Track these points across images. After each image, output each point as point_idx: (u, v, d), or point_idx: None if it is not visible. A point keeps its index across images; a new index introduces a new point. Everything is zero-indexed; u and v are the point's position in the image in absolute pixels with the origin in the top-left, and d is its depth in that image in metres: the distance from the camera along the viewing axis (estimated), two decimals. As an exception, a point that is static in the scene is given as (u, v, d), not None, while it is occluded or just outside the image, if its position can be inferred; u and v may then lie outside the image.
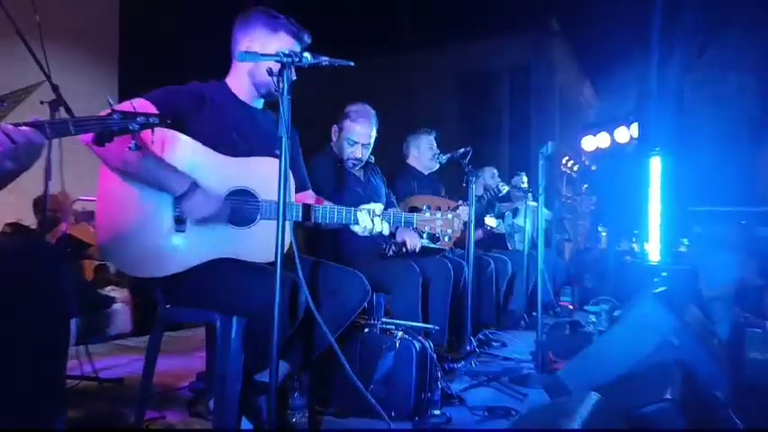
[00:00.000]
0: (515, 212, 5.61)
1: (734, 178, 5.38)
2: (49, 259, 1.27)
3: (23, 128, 1.21)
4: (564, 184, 15.92)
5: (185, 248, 1.70)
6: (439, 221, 1.92)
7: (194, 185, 1.68)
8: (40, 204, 4.09)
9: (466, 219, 3.54)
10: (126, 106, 1.48)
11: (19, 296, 1.20)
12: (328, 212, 1.87)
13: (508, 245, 5.01)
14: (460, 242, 4.43)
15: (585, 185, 11.83)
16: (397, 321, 2.27)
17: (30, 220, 4.42)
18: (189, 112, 1.79)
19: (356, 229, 1.90)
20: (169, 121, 1.57)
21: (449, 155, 3.59)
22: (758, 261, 4.71)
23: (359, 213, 1.88)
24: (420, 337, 2.22)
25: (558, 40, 17.61)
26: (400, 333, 2.19)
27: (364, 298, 2.00)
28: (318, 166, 2.67)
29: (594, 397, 1.32)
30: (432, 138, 3.84)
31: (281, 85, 1.49)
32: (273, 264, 1.78)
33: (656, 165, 5.28)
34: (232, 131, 1.88)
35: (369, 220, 1.87)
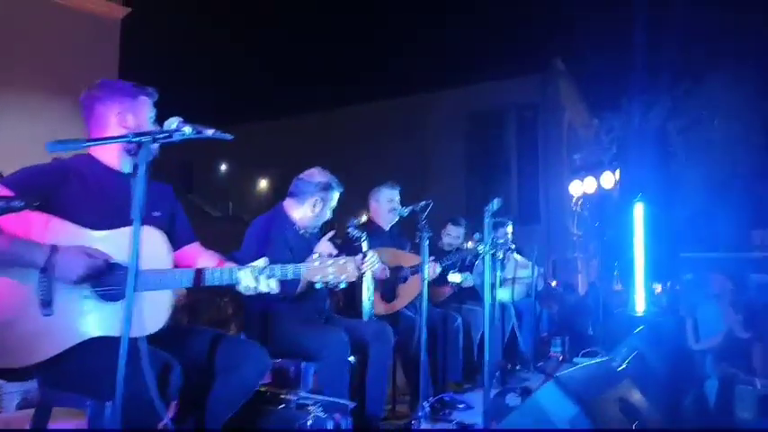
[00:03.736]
0: (501, 265, 5.49)
1: (723, 225, 5.21)
2: None
3: None
4: (574, 224, 15.72)
5: (55, 331, 1.64)
6: (331, 269, 1.83)
7: (55, 248, 1.64)
8: None
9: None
10: None
11: None
12: (216, 275, 1.81)
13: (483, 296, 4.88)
14: (431, 300, 4.35)
15: (597, 223, 11.59)
16: (316, 397, 2.17)
17: None
18: (52, 189, 1.75)
19: (240, 288, 1.83)
20: (36, 204, 1.55)
21: (409, 208, 3.54)
22: (744, 312, 4.51)
23: (239, 273, 1.81)
24: (336, 415, 2.11)
25: (564, 79, 17.70)
26: (313, 410, 2.09)
27: (263, 371, 1.92)
28: (268, 227, 2.64)
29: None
30: (393, 191, 3.79)
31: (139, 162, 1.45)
32: (151, 339, 1.72)
33: (639, 211, 5.14)
34: (101, 203, 1.83)
35: (251, 278, 1.80)
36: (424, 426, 3.00)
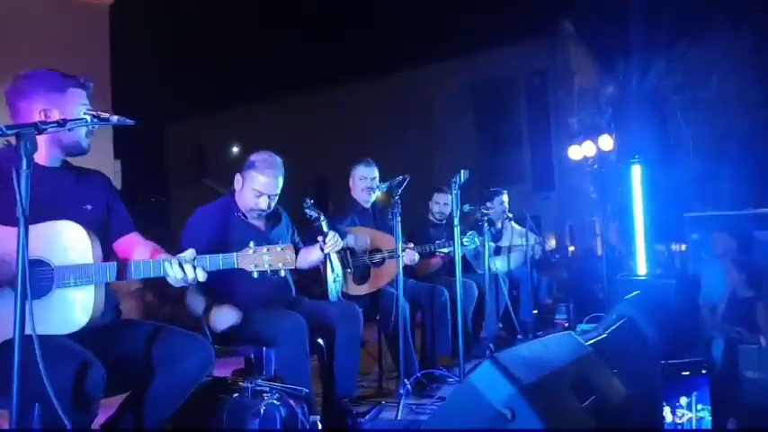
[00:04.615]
0: (498, 234, 5.37)
1: (726, 183, 5.01)
2: None
3: None
4: (591, 185, 15.42)
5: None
6: (266, 257, 1.75)
7: None
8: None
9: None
10: None
11: None
12: (141, 267, 1.74)
13: (475, 268, 4.77)
14: (420, 273, 4.26)
15: (593, 192, 11.38)
16: (271, 384, 2.11)
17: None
18: None
19: (169, 280, 1.76)
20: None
21: (386, 184, 3.44)
22: (747, 270, 4.34)
23: (166, 264, 1.74)
24: (291, 401, 2.06)
25: (573, 42, 17.20)
26: (267, 398, 2.04)
27: (206, 363, 1.85)
28: (204, 218, 2.56)
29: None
30: (367, 169, 3.68)
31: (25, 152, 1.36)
32: (74, 336, 1.67)
33: (636, 173, 4.97)
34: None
35: (178, 269, 1.72)
36: (404, 403, 2.95)
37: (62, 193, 1.88)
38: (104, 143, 8.39)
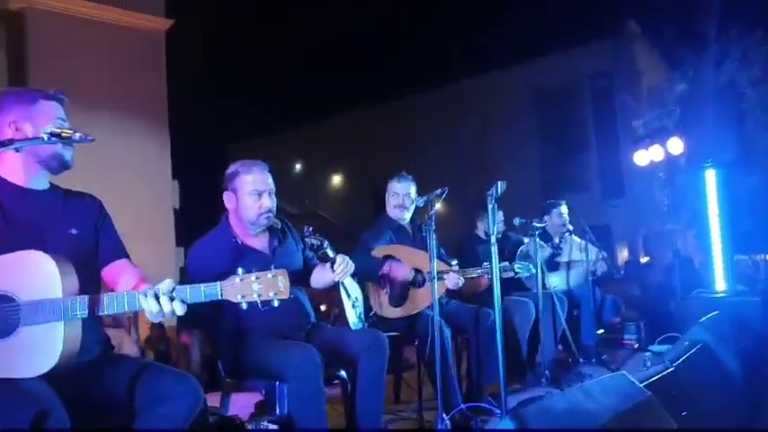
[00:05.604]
0: (556, 249, 4.96)
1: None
2: None
3: None
4: (663, 192, 14.47)
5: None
6: (255, 285, 1.54)
7: None
8: None
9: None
10: None
11: None
12: (114, 301, 1.57)
13: (529, 286, 4.38)
14: (467, 293, 3.94)
15: (666, 203, 10.62)
16: (273, 428, 1.88)
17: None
18: None
19: (147, 314, 1.58)
20: None
21: (423, 198, 3.17)
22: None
23: (140, 297, 1.55)
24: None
25: (640, 42, 16.33)
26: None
27: (194, 405, 1.64)
28: (202, 253, 2.39)
29: None
30: (399, 184, 3.42)
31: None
32: (50, 377, 1.51)
33: (710, 178, 4.46)
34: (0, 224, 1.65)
35: (153, 302, 1.54)
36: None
37: (45, 217, 1.75)
38: (162, 163, 8.53)
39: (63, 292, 1.54)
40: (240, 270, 1.58)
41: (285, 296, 1.56)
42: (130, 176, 7.93)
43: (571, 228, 4.87)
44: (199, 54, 11.10)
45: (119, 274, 1.80)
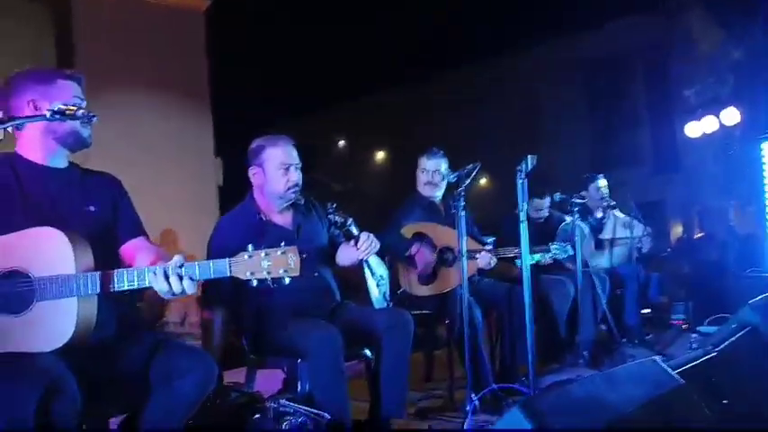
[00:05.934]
0: (598, 225, 4.77)
1: None
2: None
3: None
4: (719, 165, 13.79)
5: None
6: (264, 263, 1.50)
7: None
8: None
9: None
10: None
11: None
12: (125, 277, 1.56)
13: (568, 265, 4.22)
14: (503, 274, 3.83)
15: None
16: (293, 405, 1.87)
17: None
18: None
19: (158, 292, 1.56)
20: None
21: (455, 174, 3.07)
22: None
23: (150, 274, 1.54)
24: (312, 428, 1.80)
25: (694, 9, 15.44)
26: (287, 421, 1.80)
27: (206, 382, 1.64)
28: (226, 228, 2.39)
29: None
30: (429, 160, 3.33)
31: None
32: (65, 353, 1.52)
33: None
34: (17, 203, 1.66)
35: (162, 279, 1.53)
36: (469, 422, 2.60)
37: (63, 194, 1.77)
38: (204, 141, 8.65)
39: (76, 268, 1.54)
40: (250, 246, 1.55)
41: (296, 273, 1.52)
42: (174, 154, 8.06)
43: (613, 202, 4.68)
44: (241, 30, 11.13)
45: (136, 252, 1.81)
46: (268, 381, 2.49)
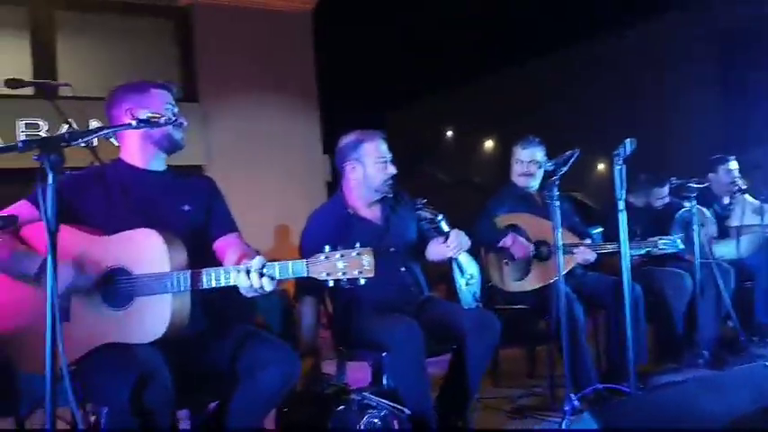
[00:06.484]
0: (725, 211, 4.34)
1: None
2: None
3: None
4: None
5: (73, 339, 1.66)
6: (340, 263, 1.54)
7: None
8: None
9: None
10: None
11: None
12: (212, 275, 1.67)
13: (687, 256, 3.87)
14: (611, 266, 3.60)
15: None
16: (375, 398, 1.89)
17: None
18: (72, 199, 1.78)
19: (242, 290, 1.66)
20: (17, 225, 1.61)
21: (552, 162, 2.93)
22: None
23: (233, 272, 1.64)
24: (395, 421, 1.81)
25: None
26: (369, 414, 1.82)
27: (289, 376, 1.71)
28: (318, 223, 2.44)
29: None
30: (524, 150, 3.20)
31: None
32: (162, 345, 1.65)
33: None
34: (121, 205, 1.83)
35: (244, 278, 1.62)
36: (566, 424, 2.48)
37: (162, 196, 1.92)
38: (312, 139, 8.94)
39: (171, 266, 1.67)
40: (327, 247, 1.59)
41: (371, 275, 1.55)
42: (284, 153, 8.44)
43: (744, 186, 4.23)
44: (347, 27, 11.37)
45: (226, 247, 1.92)
46: (357, 372, 2.54)
